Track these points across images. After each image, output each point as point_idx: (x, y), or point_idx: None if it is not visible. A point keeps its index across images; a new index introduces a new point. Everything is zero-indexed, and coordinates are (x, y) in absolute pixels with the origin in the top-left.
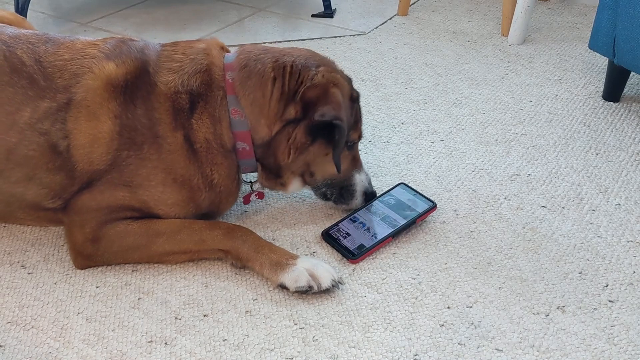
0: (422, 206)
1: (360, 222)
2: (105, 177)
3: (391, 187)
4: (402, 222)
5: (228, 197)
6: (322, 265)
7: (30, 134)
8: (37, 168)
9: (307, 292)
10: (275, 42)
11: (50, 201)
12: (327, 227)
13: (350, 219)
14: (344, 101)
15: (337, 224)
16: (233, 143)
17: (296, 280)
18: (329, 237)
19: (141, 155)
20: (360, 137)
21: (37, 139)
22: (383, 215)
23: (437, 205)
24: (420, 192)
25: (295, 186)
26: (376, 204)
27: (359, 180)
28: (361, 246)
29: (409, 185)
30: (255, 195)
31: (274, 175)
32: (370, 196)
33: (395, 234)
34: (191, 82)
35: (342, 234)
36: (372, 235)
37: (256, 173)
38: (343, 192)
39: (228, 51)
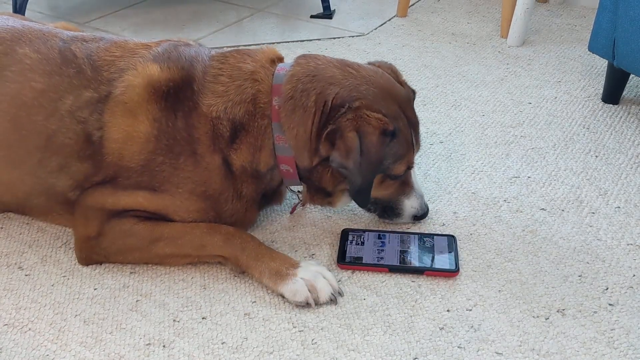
0: (443, 263)
1: (383, 242)
2: (135, 178)
3: (442, 233)
4: (413, 264)
5: (252, 208)
6: (323, 275)
7: (70, 121)
8: (70, 156)
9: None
10: (274, 43)
11: (72, 192)
12: (352, 227)
13: (378, 234)
14: (366, 143)
15: (363, 230)
16: (270, 166)
17: (295, 294)
18: (344, 236)
19: (176, 164)
20: (409, 167)
21: (75, 126)
22: (407, 248)
23: (459, 272)
24: (458, 253)
25: (343, 201)
26: (413, 237)
27: (408, 206)
28: (358, 258)
29: (456, 242)
30: (301, 205)
31: (322, 195)
32: (420, 218)
33: (394, 270)
34: (234, 111)
35: (356, 239)
36: (377, 257)
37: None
38: (387, 210)
39: (281, 59)
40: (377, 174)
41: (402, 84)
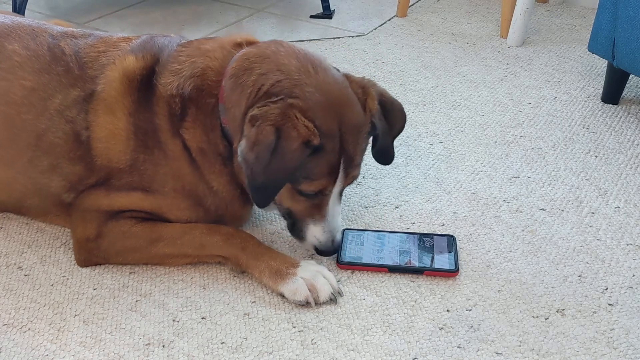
0: (443, 263)
1: (382, 242)
2: (126, 178)
3: (442, 233)
4: (412, 264)
5: (233, 204)
6: (323, 275)
7: (58, 120)
8: (61, 157)
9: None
10: None
11: (66, 194)
12: (353, 227)
13: (378, 234)
14: (283, 147)
15: (363, 230)
16: (229, 150)
17: (294, 293)
18: (343, 236)
19: (154, 160)
20: (323, 192)
21: (64, 126)
22: (406, 248)
23: (459, 272)
24: (457, 253)
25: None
26: (413, 237)
27: (310, 234)
28: (357, 258)
29: (456, 242)
30: None
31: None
32: (321, 253)
33: (394, 270)
34: (185, 86)
35: (356, 239)
36: (377, 257)
37: None
38: (294, 228)
39: (254, 44)
40: (286, 182)
41: (366, 109)
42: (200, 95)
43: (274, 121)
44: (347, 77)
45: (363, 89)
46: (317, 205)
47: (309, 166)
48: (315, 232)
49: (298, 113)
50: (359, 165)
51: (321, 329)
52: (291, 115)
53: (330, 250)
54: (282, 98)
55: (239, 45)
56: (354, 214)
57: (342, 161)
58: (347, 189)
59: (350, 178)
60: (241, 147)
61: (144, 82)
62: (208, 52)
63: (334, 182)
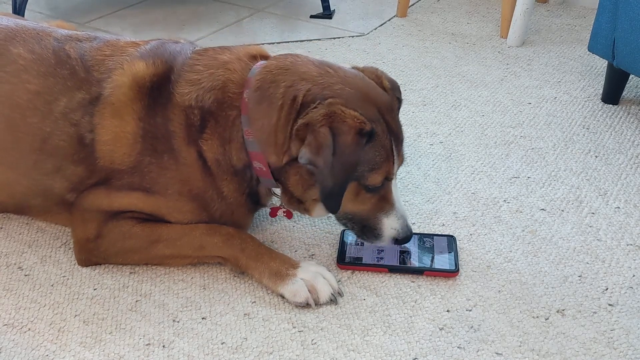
0: (443, 263)
1: None
2: (126, 179)
3: (442, 233)
4: (412, 264)
5: (239, 209)
6: (323, 275)
7: (63, 123)
8: (65, 159)
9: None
10: (273, 44)
11: (69, 194)
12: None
13: None
14: (340, 143)
15: None
16: (245, 162)
17: (295, 294)
18: (343, 236)
19: (162, 164)
20: (388, 178)
21: (68, 129)
22: (406, 249)
23: (459, 272)
24: (457, 253)
25: (320, 212)
26: (413, 237)
27: (387, 226)
28: (358, 259)
29: (456, 243)
30: (284, 212)
31: (296, 200)
32: (402, 242)
33: (394, 270)
34: (205, 99)
35: (356, 240)
36: (377, 257)
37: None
38: (366, 230)
39: (266, 57)
40: (351, 180)
41: (386, 89)
42: (221, 108)
43: (323, 122)
44: (357, 68)
45: (375, 74)
46: (383, 196)
47: (370, 156)
48: (391, 224)
49: (341, 107)
50: (403, 142)
51: (321, 329)
52: (337, 111)
53: (409, 235)
54: (320, 102)
55: (254, 57)
56: None
57: (392, 141)
58: None
59: (401, 157)
60: (305, 156)
61: (154, 89)
62: (227, 64)
63: (393, 164)
